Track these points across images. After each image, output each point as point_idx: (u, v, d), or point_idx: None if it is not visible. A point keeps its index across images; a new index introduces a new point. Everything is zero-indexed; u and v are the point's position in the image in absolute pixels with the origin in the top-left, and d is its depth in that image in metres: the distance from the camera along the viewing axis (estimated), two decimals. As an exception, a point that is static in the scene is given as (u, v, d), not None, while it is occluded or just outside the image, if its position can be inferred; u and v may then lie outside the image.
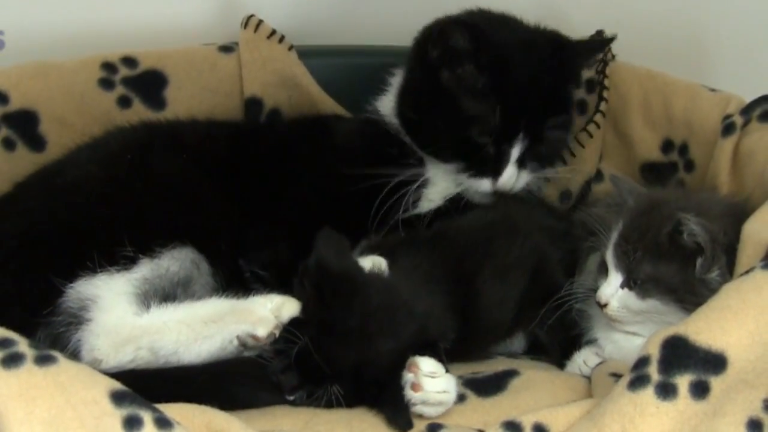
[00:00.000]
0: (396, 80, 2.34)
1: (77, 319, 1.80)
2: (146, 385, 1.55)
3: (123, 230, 1.89)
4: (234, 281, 2.03)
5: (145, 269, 1.89)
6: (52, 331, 1.81)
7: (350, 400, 1.68)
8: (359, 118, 2.39)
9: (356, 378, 1.67)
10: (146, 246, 1.91)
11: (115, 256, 1.86)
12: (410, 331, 1.73)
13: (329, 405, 1.68)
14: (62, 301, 1.81)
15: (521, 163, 2.15)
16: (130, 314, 1.84)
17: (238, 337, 1.79)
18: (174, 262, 1.94)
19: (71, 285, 1.82)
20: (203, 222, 2.04)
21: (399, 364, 1.69)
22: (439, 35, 2.14)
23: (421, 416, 1.66)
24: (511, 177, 2.14)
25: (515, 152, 2.13)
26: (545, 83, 2.15)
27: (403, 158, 2.20)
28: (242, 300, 1.89)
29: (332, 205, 2.17)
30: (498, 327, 1.98)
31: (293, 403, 1.70)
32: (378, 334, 1.68)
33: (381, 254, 1.86)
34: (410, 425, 1.62)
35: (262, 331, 1.77)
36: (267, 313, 1.80)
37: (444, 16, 2.21)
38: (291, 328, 1.70)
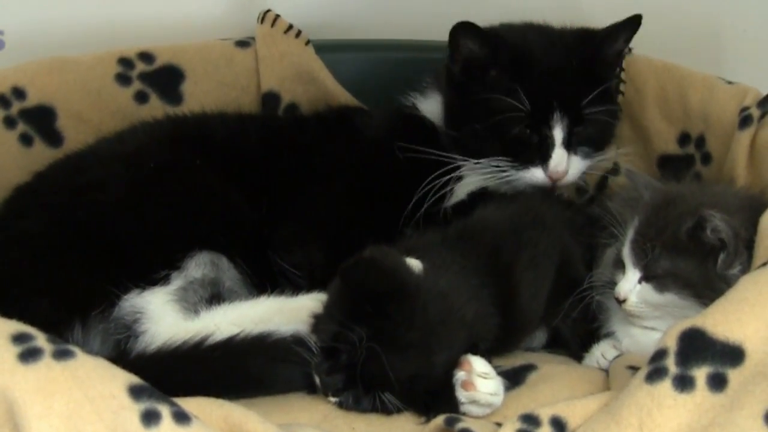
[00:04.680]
0: (435, 83, 2.31)
1: (132, 331, 1.86)
2: (162, 363, 1.57)
3: (154, 247, 1.95)
4: (261, 272, 2.05)
5: (178, 281, 1.93)
6: (101, 334, 1.87)
7: (399, 407, 1.67)
8: (394, 113, 2.35)
9: (410, 387, 1.65)
10: (173, 263, 1.94)
11: (153, 277, 1.91)
12: (462, 339, 1.72)
13: (375, 410, 1.67)
14: (113, 311, 1.87)
15: (569, 147, 2.13)
16: (180, 320, 1.89)
17: (292, 336, 1.79)
18: (196, 268, 1.96)
19: (125, 297, 1.88)
20: (221, 222, 2.05)
21: (450, 370, 1.68)
22: (451, 47, 2.14)
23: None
24: (562, 160, 2.11)
25: (558, 134, 2.11)
26: (572, 64, 2.14)
27: (441, 157, 2.17)
28: (291, 299, 1.93)
29: (364, 202, 2.16)
30: (532, 321, 1.97)
31: (339, 405, 1.69)
32: (437, 349, 1.67)
33: (414, 256, 1.81)
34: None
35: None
36: (317, 305, 1.80)
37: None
38: (339, 328, 1.66)
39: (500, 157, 2.13)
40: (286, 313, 1.88)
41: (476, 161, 2.15)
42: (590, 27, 2.24)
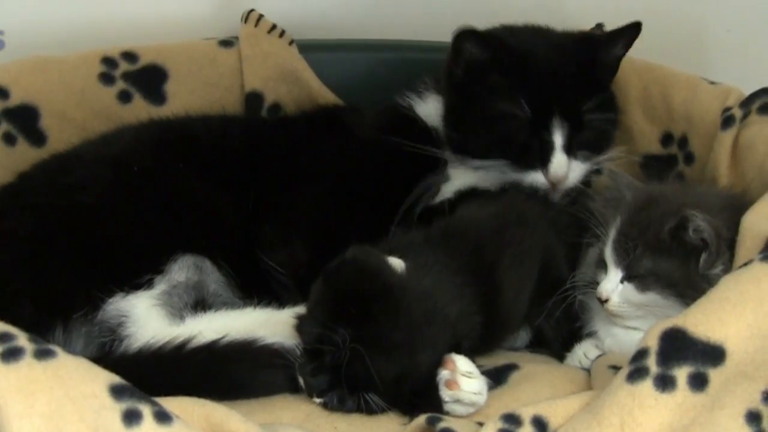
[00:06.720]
0: (434, 85, 2.31)
1: (116, 335, 1.85)
2: (144, 364, 1.57)
3: (137, 250, 1.94)
4: (247, 275, 2.05)
5: (161, 285, 1.93)
6: (84, 337, 1.86)
7: (383, 407, 1.66)
8: (389, 112, 2.35)
9: (395, 387, 1.65)
10: (156, 267, 1.94)
11: (136, 281, 1.90)
12: (446, 338, 1.71)
13: (359, 410, 1.66)
14: (97, 314, 1.86)
15: (570, 152, 2.13)
16: (166, 326, 1.88)
17: (279, 349, 1.78)
18: (180, 272, 1.96)
19: (109, 301, 1.87)
20: (204, 225, 2.04)
21: (434, 369, 1.68)
22: (454, 51, 2.15)
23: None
24: (562, 164, 2.11)
25: (558, 139, 2.11)
26: (571, 70, 2.14)
27: (433, 158, 2.19)
28: (277, 311, 1.92)
29: (349, 201, 2.17)
30: (515, 320, 1.97)
31: (323, 406, 1.68)
32: (421, 349, 1.67)
33: (397, 255, 1.80)
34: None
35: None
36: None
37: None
38: (323, 330, 1.65)
39: (501, 160, 2.14)
40: (272, 326, 1.86)
41: (478, 162, 2.16)
42: (586, 30, 2.25)
